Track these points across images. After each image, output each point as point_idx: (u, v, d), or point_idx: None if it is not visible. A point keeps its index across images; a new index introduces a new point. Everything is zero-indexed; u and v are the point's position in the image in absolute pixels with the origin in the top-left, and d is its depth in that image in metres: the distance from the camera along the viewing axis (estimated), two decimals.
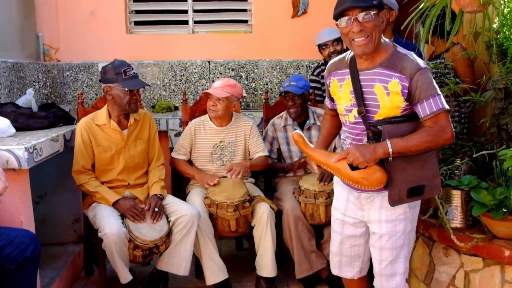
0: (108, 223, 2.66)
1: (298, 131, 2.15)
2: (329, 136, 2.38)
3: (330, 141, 2.40)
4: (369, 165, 1.92)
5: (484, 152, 2.67)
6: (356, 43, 1.92)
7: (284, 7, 4.43)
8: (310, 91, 3.54)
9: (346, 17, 1.90)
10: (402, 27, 2.63)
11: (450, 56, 3.17)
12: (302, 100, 3.27)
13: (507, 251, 2.24)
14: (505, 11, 2.47)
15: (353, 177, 1.96)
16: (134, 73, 2.83)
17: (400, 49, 2.01)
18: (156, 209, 2.80)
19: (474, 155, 2.70)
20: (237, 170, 3.02)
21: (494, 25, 2.62)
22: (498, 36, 2.61)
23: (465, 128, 3.23)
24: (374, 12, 1.89)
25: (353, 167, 1.93)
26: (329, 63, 2.21)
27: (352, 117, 2.07)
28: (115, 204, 2.79)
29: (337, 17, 1.95)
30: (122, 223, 2.71)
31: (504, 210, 2.27)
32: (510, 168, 2.24)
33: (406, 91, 1.92)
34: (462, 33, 3.61)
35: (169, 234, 2.79)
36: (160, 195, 2.91)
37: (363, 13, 1.88)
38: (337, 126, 2.33)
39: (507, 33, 2.51)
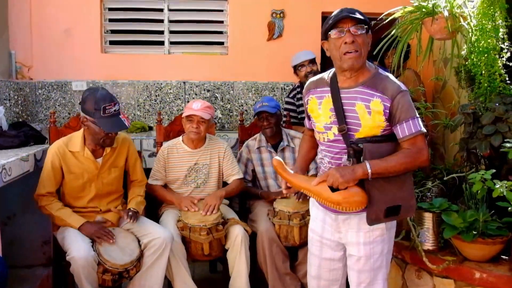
0: (76, 246, 2.58)
1: (277, 157, 2.14)
2: (307, 156, 2.37)
3: (309, 162, 2.39)
4: (349, 186, 1.94)
5: (454, 175, 2.72)
6: (346, 56, 1.96)
7: (259, 30, 4.49)
8: (285, 112, 3.57)
9: (339, 29, 1.96)
10: (374, 52, 2.69)
11: (404, 79, 3.27)
12: (276, 119, 3.31)
13: (477, 273, 2.28)
14: (473, 38, 2.56)
15: (334, 200, 1.96)
16: (115, 110, 2.67)
17: (381, 71, 2.07)
18: (130, 213, 2.77)
19: (445, 178, 2.75)
20: (213, 205, 2.96)
21: (463, 52, 2.71)
22: (467, 63, 2.69)
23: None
24: (365, 28, 1.96)
25: (333, 189, 1.95)
26: (308, 81, 2.23)
27: (332, 134, 2.08)
28: (80, 228, 2.70)
29: (329, 29, 1.98)
30: (92, 246, 2.65)
31: (474, 232, 2.31)
32: (479, 191, 2.29)
33: (388, 111, 1.96)
34: (432, 59, 3.72)
35: (140, 258, 2.73)
36: (134, 208, 2.85)
37: (356, 26, 1.94)
38: (315, 147, 2.33)
39: (474, 59, 2.60)
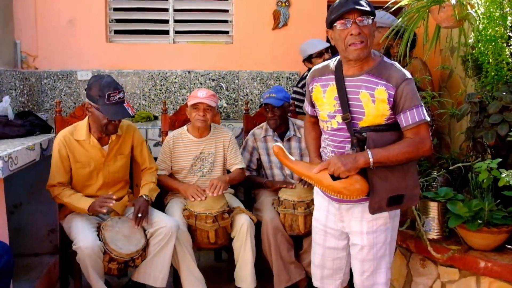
0: (82, 236, 2.60)
1: (278, 143, 2.14)
2: (318, 143, 2.31)
3: (319, 151, 2.34)
4: (350, 175, 1.93)
5: (460, 164, 2.71)
6: (353, 46, 1.94)
7: (265, 19, 4.47)
8: (290, 102, 3.56)
9: (345, 20, 1.93)
10: (380, 41, 2.67)
11: (411, 69, 3.24)
12: (282, 111, 3.29)
13: (482, 262, 2.27)
14: (480, 27, 2.53)
15: (335, 188, 1.97)
16: (119, 98, 2.66)
17: (387, 59, 2.05)
18: (140, 215, 2.75)
19: (451, 167, 2.74)
20: (219, 184, 2.97)
21: (470, 41, 2.68)
22: (474, 51, 2.67)
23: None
24: (371, 18, 1.94)
25: (334, 178, 1.94)
26: (313, 69, 2.22)
27: (335, 123, 2.08)
28: (89, 208, 2.70)
29: (334, 20, 1.96)
30: (98, 235, 2.66)
31: (479, 221, 2.31)
32: (485, 180, 2.28)
33: (392, 99, 1.95)
34: (439, 48, 3.70)
35: (146, 247, 2.74)
36: (147, 196, 2.86)
37: (362, 17, 1.92)
38: (321, 133, 2.33)
39: (482, 48, 2.57)
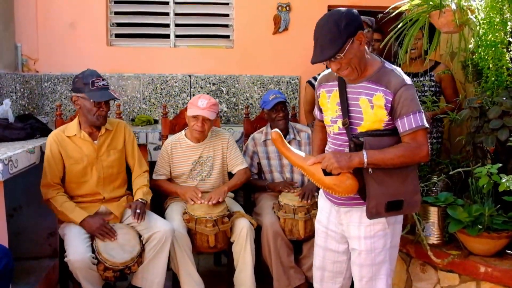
0: (73, 248, 2.58)
1: (276, 129, 2.13)
2: (322, 144, 2.36)
3: (323, 150, 2.39)
4: (342, 172, 1.95)
5: (460, 169, 2.71)
6: (340, 74, 2.01)
7: (265, 23, 4.47)
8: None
9: (326, 63, 1.98)
10: (380, 46, 2.68)
11: (440, 74, 3.24)
12: (287, 111, 3.32)
13: (482, 267, 2.27)
14: (480, 32, 2.54)
15: (325, 183, 1.99)
16: (103, 84, 2.77)
17: (388, 64, 2.06)
18: (138, 210, 2.75)
19: (451, 172, 2.74)
20: (216, 198, 2.97)
21: (470, 46, 2.69)
22: (474, 57, 2.68)
23: (439, 143, 3.30)
24: (342, 53, 1.91)
25: (326, 173, 1.96)
26: (320, 75, 2.26)
27: (337, 128, 2.11)
28: (82, 223, 2.70)
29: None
30: (92, 244, 2.64)
31: (480, 226, 2.31)
32: (485, 186, 2.28)
33: (389, 105, 1.96)
34: (439, 53, 3.70)
35: (141, 253, 2.72)
36: (142, 199, 2.86)
37: (333, 59, 1.93)
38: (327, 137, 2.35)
39: (482, 53, 2.58)
